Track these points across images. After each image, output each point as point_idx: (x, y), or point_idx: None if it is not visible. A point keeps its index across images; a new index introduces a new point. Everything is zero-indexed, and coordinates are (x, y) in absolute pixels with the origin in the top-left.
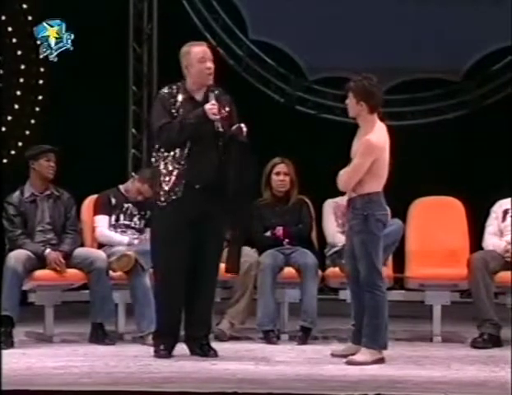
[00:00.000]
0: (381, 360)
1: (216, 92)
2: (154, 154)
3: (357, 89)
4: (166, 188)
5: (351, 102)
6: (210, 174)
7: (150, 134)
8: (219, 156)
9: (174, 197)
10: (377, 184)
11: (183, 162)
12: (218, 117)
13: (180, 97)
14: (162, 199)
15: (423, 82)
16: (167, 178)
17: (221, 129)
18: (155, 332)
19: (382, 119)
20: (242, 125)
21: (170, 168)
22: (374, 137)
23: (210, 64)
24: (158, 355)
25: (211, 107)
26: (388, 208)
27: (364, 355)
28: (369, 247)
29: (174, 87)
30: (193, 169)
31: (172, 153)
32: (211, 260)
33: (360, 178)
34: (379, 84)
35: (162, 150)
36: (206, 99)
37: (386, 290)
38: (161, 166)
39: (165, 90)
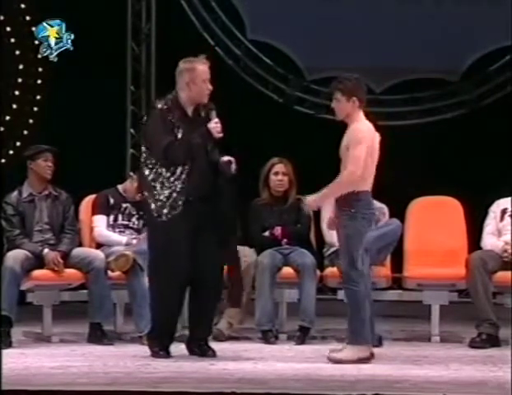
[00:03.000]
0: (368, 358)
1: (214, 109)
2: (149, 169)
3: (346, 87)
4: (167, 203)
5: (340, 102)
6: (205, 186)
7: (154, 150)
8: (211, 168)
9: (175, 212)
10: (365, 183)
11: (183, 178)
12: (222, 135)
13: (176, 113)
14: (163, 214)
15: (421, 82)
16: (167, 194)
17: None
18: (149, 334)
19: (370, 120)
20: (232, 160)
21: (169, 184)
22: (361, 126)
23: (210, 85)
24: (157, 355)
25: (215, 126)
26: (385, 208)
27: (347, 352)
28: (350, 242)
29: (170, 102)
30: (191, 185)
31: (171, 170)
32: (215, 261)
33: (362, 168)
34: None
35: (159, 167)
36: (197, 115)
37: (362, 286)
38: (158, 182)
39: (161, 105)
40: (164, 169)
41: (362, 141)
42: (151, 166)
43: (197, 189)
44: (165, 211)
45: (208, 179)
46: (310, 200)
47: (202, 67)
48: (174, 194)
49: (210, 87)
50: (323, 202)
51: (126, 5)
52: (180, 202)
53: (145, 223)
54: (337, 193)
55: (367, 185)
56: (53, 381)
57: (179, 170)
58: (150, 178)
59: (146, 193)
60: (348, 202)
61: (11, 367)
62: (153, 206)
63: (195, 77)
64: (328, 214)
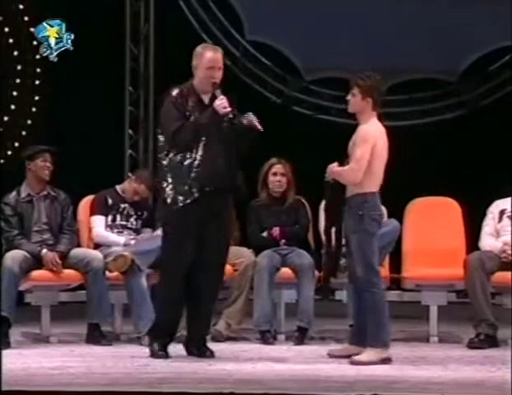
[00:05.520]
0: (387, 360)
1: (221, 90)
2: (164, 156)
3: (365, 84)
4: (182, 190)
5: (355, 98)
6: (220, 176)
7: (165, 135)
8: (227, 158)
9: (189, 200)
10: (373, 184)
11: (196, 165)
12: (229, 109)
13: (191, 100)
14: (177, 201)
15: (420, 83)
16: (181, 181)
17: (231, 116)
18: (151, 330)
19: (380, 120)
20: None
21: (183, 171)
22: (370, 128)
23: (217, 74)
24: (156, 355)
25: (220, 103)
26: (383, 208)
27: (369, 354)
28: (364, 246)
29: (185, 89)
30: (205, 173)
31: (185, 156)
32: (218, 260)
33: (365, 167)
34: (381, 81)
35: (173, 153)
36: (213, 102)
37: (383, 288)
38: (172, 169)
39: (176, 91)
40: (178, 156)
41: (367, 141)
42: (165, 153)
43: (212, 178)
44: (179, 198)
45: (222, 167)
46: (330, 167)
47: (210, 54)
48: (188, 181)
49: (215, 76)
50: (333, 176)
51: (124, 6)
52: (195, 190)
53: (143, 223)
54: (339, 178)
55: (374, 186)
56: (51, 381)
57: (192, 156)
58: (164, 165)
59: (161, 181)
60: (356, 203)
61: (10, 367)
62: (167, 193)
63: (200, 62)
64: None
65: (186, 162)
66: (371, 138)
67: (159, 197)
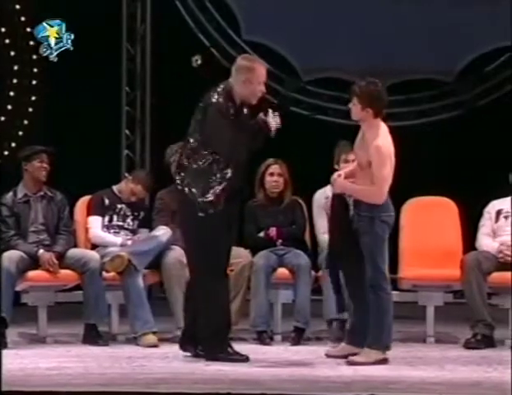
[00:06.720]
0: (384, 361)
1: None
2: (196, 163)
3: (363, 95)
4: (215, 197)
5: (355, 107)
6: (244, 177)
7: (218, 147)
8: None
9: (221, 206)
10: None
11: (231, 173)
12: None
13: (232, 106)
14: (210, 207)
15: (418, 83)
16: (219, 189)
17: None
18: (214, 343)
19: (384, 120)
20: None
21: (220, 179)
22: (383, 142)
23: (264, 88)
24: (234, 360)
25: (275, 123)
26: None
27: (365, 355)
28: (373, 248)
29: (227, 96)
30: (236, 176)
31: (224, 165)
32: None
33: (389, 183)
34: (383, 87)
35: (210, 160)
36: (242, 110)
37: (388, 291)
38: (207, 177)
39: (221, 99)
40: (213, 161)
41: (385, 158)
42: (200, 160)
43: (240, 181)
44: (211, 205)
45: (245, 169)
46: (340, 182)
47: (262, 69)
48: (223, 184)
49: (263, 89)
50: (346, 191)
51: (121, 6)
52: (227, 193)
53: (139, 224)
54: (360, 197)
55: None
56: (48, 382)
57: (229, 165)
58: (197, 172)
59: (190, 188)
60: (366, 206)
61: (7, 368)
62: (199, 200)
63: (252, 77)
64: (323, 222)
65: (220, 166)
66: (388, 153)
67: (182, 203)
